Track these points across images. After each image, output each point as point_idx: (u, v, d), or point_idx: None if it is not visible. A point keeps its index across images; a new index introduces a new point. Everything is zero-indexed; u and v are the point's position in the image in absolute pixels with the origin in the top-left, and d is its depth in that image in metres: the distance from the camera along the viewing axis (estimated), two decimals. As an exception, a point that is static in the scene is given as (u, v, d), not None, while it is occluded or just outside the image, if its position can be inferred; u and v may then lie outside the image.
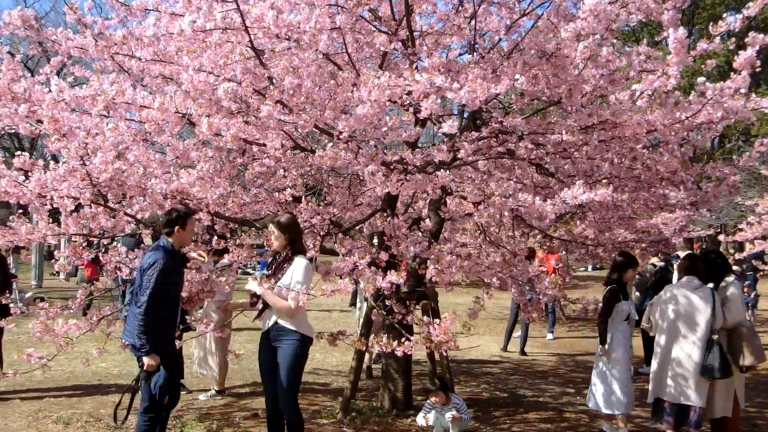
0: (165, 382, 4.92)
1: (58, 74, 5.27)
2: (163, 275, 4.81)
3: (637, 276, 9.13)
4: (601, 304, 6.37)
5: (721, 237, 13.47)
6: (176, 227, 5.01)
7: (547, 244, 8.37)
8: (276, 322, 5.00)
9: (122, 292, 12.28)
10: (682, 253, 9.91)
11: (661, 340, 5.97)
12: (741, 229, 11.55)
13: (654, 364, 6.00)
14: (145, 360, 4.81)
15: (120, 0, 5.19)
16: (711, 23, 4.99)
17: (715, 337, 5.66)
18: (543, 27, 5.00)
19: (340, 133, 4.63)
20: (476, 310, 6.04)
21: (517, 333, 11.36)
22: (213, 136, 4.84)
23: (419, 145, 5.97)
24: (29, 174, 5.01)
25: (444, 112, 4.65)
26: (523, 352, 11.09)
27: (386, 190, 4.82)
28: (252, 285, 5.02)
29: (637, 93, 5.13)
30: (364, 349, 6.07)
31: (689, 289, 5.86)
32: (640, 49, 5.23)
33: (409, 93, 4.36)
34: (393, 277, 4.80)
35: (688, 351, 5.74)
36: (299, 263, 5.00)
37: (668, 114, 5.10)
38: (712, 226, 19.66)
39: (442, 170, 5.04)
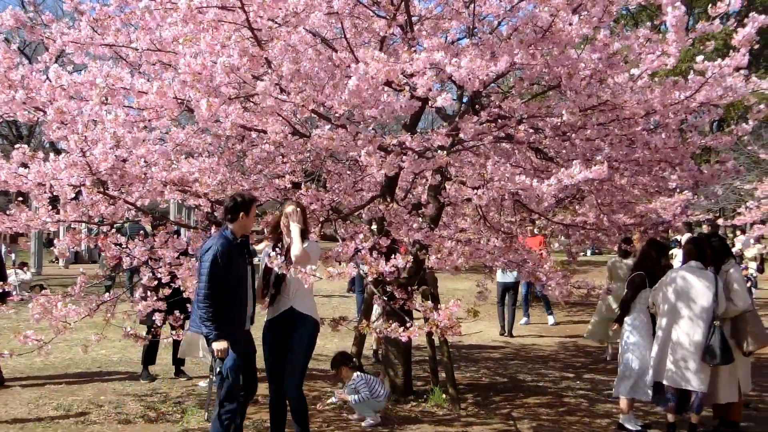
0: (234, 362, 4.78)
1: (56, 61, 5.24)
2: (217, 261, 4.65)
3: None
4: (627, 290, 6.34)
5: (720, 221, 13.47)
6: (241, 213, 4.85)
7: (540, 228, 8.33)
8: (292, 308, 5.02)
9: (128, 276, 12.40)
10: (680, 237, 9.90)
11: (662, 323, 5.96)
12: (740, 213, 11.56)
13: (655, 347, 6.00)
14: (214, 346, 4.65)
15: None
16: (710, 5, 4.97)
17: (717, 323, 5.64)
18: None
19: (336, 111, 4.61)
20: (485, 295, 6.04)
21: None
22: (212, 123, 4.81)
23: (418, 129, 5.94)
24: (28, 164, 4.99)
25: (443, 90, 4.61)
26: (510, 334, 11.28)
27: (383, 171, 4.79)
28: (294, 227, 4.95)
29: (637, 74, 5.12)
30: (367, 333, 6.09)
31: (691, 273, 5.85)
32: (639, 32, 5.20)
33: (410, 75, 4.34)
34: (398, 261, 4.82)
35: (689, 335, 5.72)
36: (311, 243, 5.07)
37: (667, 93, 5.09)
38: (711, 210, 19.66)
39: (439, 151, 5.01)
